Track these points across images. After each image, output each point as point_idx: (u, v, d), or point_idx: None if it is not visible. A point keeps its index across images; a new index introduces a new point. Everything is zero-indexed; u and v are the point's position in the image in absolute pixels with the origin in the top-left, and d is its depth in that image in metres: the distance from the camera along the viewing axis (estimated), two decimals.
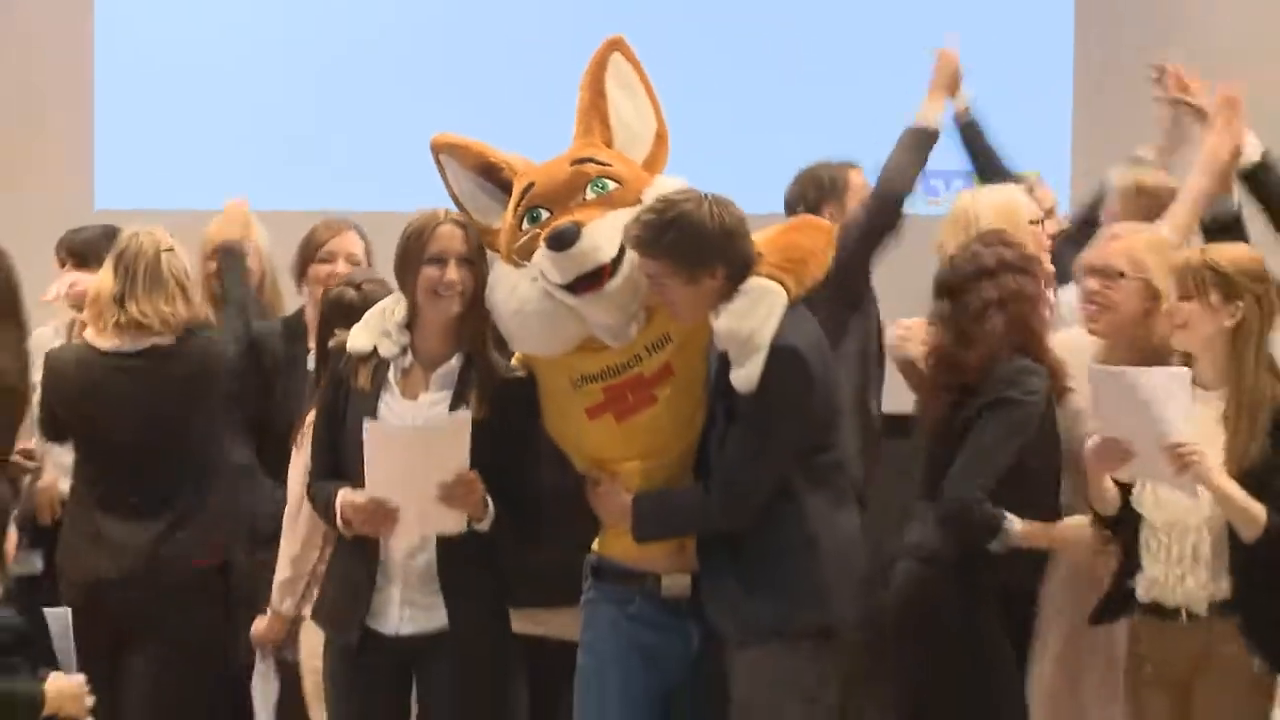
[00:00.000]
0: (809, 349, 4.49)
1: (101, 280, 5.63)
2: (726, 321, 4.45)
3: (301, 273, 5.95)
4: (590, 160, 4.60)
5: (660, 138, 4.71)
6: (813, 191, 5.77)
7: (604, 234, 4.51)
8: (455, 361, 4.71)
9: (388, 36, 8.00)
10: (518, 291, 4.58)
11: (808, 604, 4.53)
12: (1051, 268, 5.34)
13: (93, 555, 5.56)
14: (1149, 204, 5.72)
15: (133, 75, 8.11)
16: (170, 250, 5.59)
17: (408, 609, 4.69)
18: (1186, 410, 4.58)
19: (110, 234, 6.12)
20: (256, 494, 5.71)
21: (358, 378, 4.70)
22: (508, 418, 4.66)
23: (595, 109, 4.68)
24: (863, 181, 5.78)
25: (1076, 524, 4.88)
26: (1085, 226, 5.80)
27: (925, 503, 4.99)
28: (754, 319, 4.44)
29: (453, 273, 4.64)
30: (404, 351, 4.71)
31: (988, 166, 6.07)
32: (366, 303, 4.91)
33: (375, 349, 4.71)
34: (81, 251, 6.28)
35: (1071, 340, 5.11)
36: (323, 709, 4.95)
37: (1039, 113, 6.63)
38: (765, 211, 5.07)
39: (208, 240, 6.13)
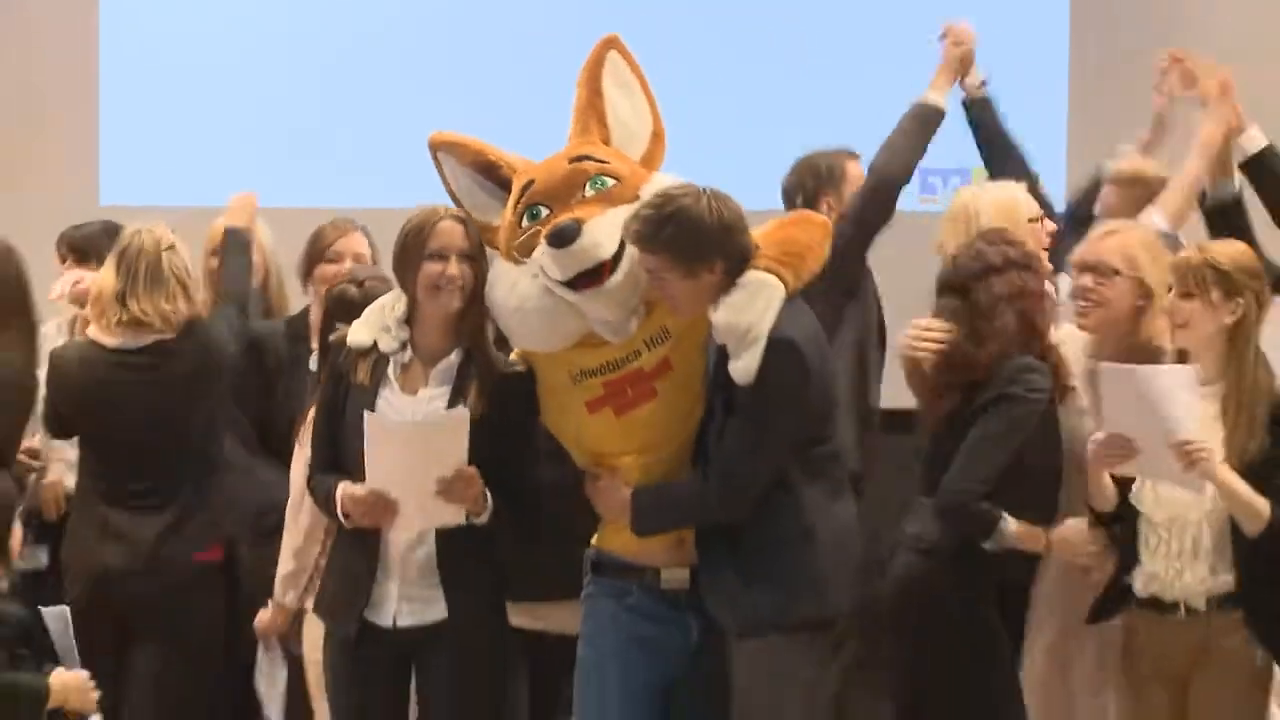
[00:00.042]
0: (806, 341, 4.51)
1: (103, 278, 5.64)
2: (725, 314, 4.47)
3: (308, 273, 5.96)
4: (589, 158, 4.62)
5: (657, 135, 4.73)
6: (810, 180, 5.76)
7: (604, 231, 4.54)
8: (454, 357, 4.73)
9: (391, 33, 7.98)
10: (518, 288, 4.60)
11: (806, 596, 4.55)
12: (1050, 265, 5.35)
13: (98, 548, 5.57)
14: (1143, 194, 5.73)
15: (137, 72, 8.09)
16: (171, 248, 5.59)
17: (406, 602, 4.71)
18: (1194, 408, 4.61)
19: (110, 230, 6.14)
20: (258, 489, 5.73)
21: (357, 372, 4.72)
22: (506, 412, 4.69)
23: (592, 107, 4.70)
24: (860, 170, 5.76)
25: (1073, 527, 4.89)
26: (1079, 221, 5.79)
27: (925, 499, 4.99)
28: (752, 312, 4.46)
29: (454, 268, 4.66)
30: (403, 347, 4.73)
31: (998, 149, 5.97)
32: (368, 299, 4.93)
33: (375, 344, 4.73)
34: (81, 247, 6.30)
35: (1062, 336, 5.13)
36: (325, 701, 4.96)
37: (1034, 113, 6.60)
38: (764, 208, 5.07)
39: (212, 237, 6.14)
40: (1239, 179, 5.68)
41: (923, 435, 5.10)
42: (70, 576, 5.62)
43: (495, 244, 4.71)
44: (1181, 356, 4.81)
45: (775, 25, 7.71)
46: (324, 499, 4.76)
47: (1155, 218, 5.60)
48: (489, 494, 4.64)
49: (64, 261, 6.28)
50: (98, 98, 8.12)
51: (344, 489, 4.67)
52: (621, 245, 4.55)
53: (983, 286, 4.90)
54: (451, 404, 4.68)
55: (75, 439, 5.79)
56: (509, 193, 4.69)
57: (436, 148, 4.77)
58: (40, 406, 5.73)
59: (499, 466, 4.65)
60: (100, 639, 5.44)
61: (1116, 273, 5.00)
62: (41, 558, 5.87)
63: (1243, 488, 4.63)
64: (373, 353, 4.74)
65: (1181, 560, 4.73)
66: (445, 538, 4.69)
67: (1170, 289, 4.84)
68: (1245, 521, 4.66)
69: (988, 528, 4.82)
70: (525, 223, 4.62)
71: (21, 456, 5.78)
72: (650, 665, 4.68)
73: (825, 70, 7.62)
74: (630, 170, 4.65)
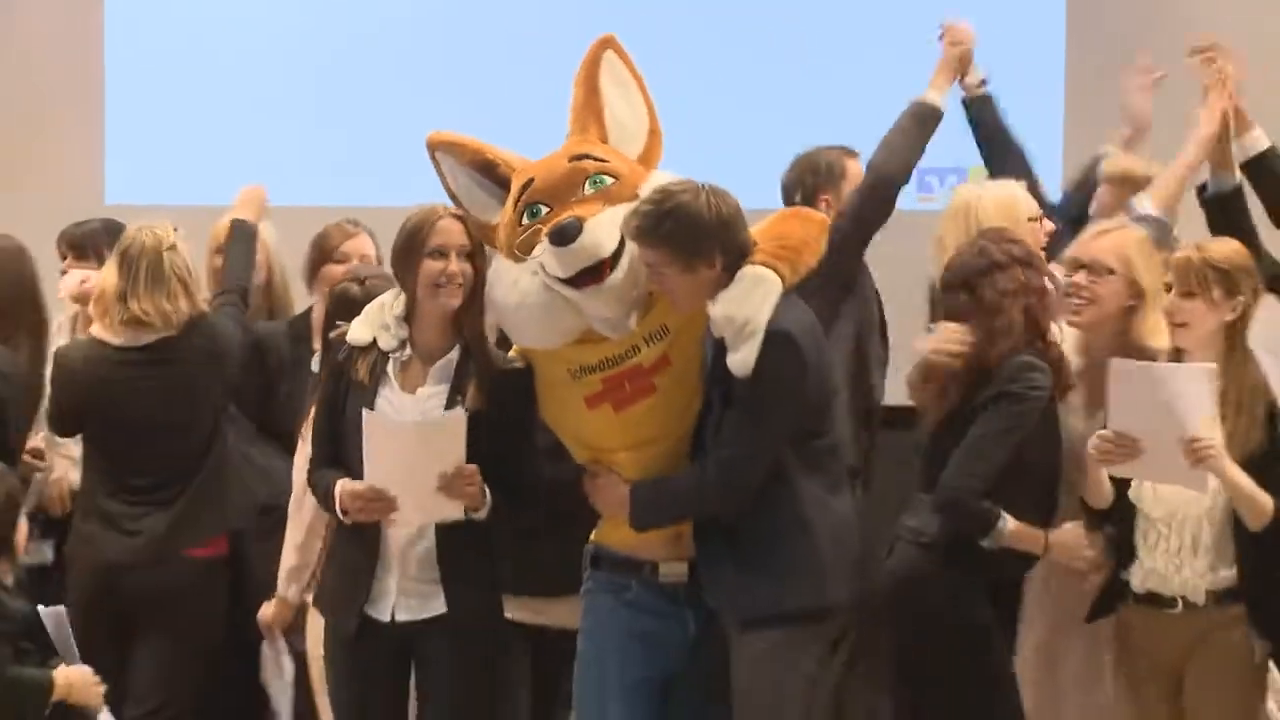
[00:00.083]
0: (803, 334, 4.54)
1: (106, 277, 5.66)
2: (723, 308, 4.49)
3: (313, 273, 5.98)
4: (588, 156, 4.64)
5: (654, 133, 4.75)
6: (810, 177, 5.75)
7: (605, 229, 4.56)
8: (453, 355, 4.75)
9: (393, 34, 7.97)
10: (519, 286, 4.62)
11: (804, 586, 4.58)
12: (1048, 265, 5.37)
13: (102, 543, 5.60)
14: (1135, 192, 5.74)
15: (142, 71, 8.08)
16: (173, 248, 5.61)
17: (405, 597, 4.73)
18: (1206, 407, 4.62)
19: (110, 228, 6.16)
20: (263, 483, 5.75)
21: (357, 370, 4.74)
22: (505, 409, 4.71)
23: (590, 106, 4.71)
24: (860, 168, 5.73)
25: (1071, 531, 4.90)
26: (1072, 219, 5.80)
27: (925, 495, 4.99)
28: (749, 305, 4.48)
29: (454, 265, 4.68)
30: (402, 345, 4.75)
31: (998, 146, 5.94)
32: (369, 297, 4.94)
33: (374, 341, 4.75)
34: (80, 245, 6.29)
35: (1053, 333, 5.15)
36: (327, 695, 4.98)
37: (1031, 112, 6.60)
38: (762, 206, 5.08)
39: (216, 235, 6.15)
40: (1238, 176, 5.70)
41: (923, 432, 5.09)
42: (75, 571, 5.66)
43: (494, 242, 4.72)
44: (1176, 356, 4.83)
45: (774, 24, 7.68)
46: (323, 494, 4.78)
47: (1145, 202, 5.62)
48: (488, 490, 4.66)
49: (64, 259, 6.28)
50: (103, 97, 8.13)
51: (343, 485, 4.69)
52: (621, 243, 4.57)
53: (988, 283, 4.91)
54: (450, 401, 4.70)
55: (79, 435, 5.79)
56: (507, 191, 4.70)
57: (434, 147, 4.78)
58: (44, 405, 5.76)
59: (498, 463, 4.67)
60: (104, 633, 5.49)
61: (1111, 272, 5.02)
62: (47, 553, 5.87)
63: (1248, 483, 4.65)
64: (372, 350, 4.75)
65: (1181, 556, 4.76)
66: (445, 533, 4.71)
67: (1170, 289, 4.86)
68: (1249, 516, 4.68)
69: (986, 526, 4.83)
70: (525, 220, 4.63)
71: (26, 457, 5.81)
72: (649, 659, 4.70)
73: (824, 69, 7.60)
74: (629, 169, 4.66)
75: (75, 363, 5.67)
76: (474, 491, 4.65)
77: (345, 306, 5.06)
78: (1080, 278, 5.03)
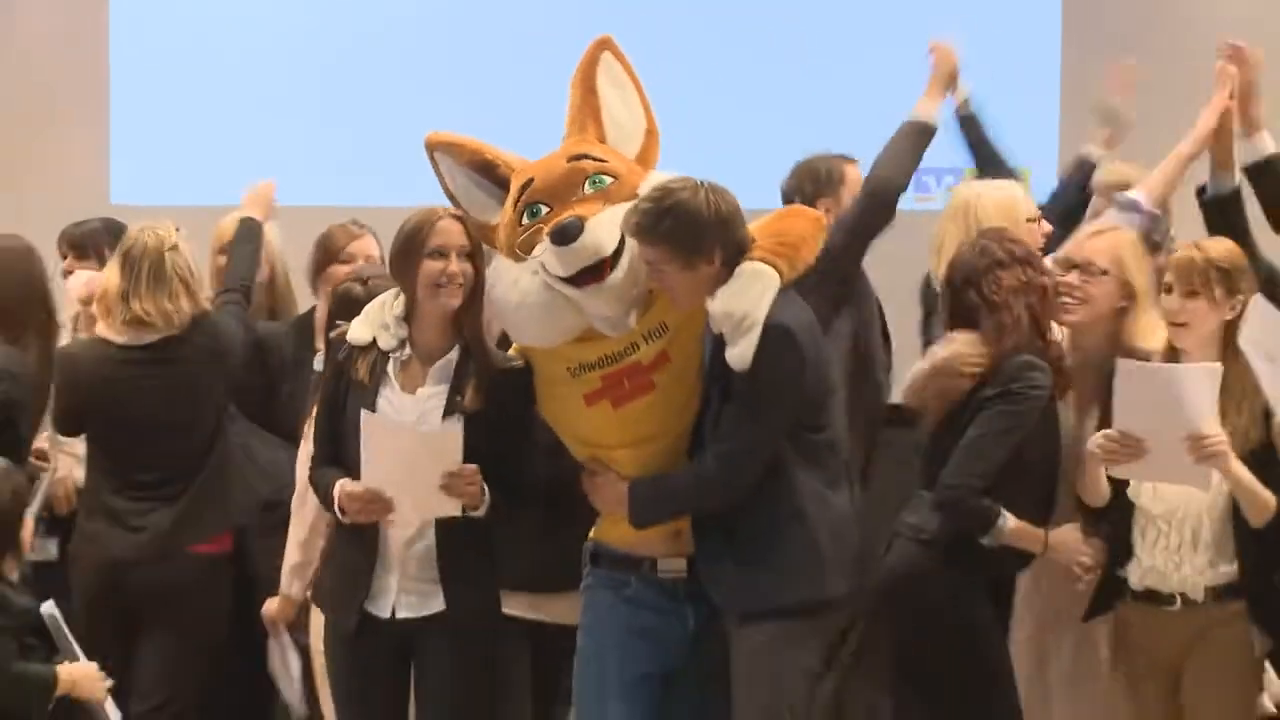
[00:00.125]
0: (801, 329, 4.55)
1: (109, 277, 5.67)
2: (721, 303, 4.51)
3: (318, 274, 5.98)
4: (587, 156, 4.65)
5: (651, 134, 4.76)
6: (809, 184, 5.74)
7: (605, 228, 4.57)
8: (453, 355, 4.76)
9: (399, 34, 8.02)
10: (519, 285, 4.63)
11: (802, 581, 4.59)
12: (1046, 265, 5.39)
13: (107, 540, 5.61)
14: None
15: (147, 72, 8.13)
16: (175, 248, 5.62)
17: (405, 595, 4.75)
18: (1213, 406, 4.64)
19: (110, 227, 6.19)
20: (267, 479, 5.77)
21: (358, 370, 4.75)
22: (504, 408, 4.72)
23: (588, 106, 4.73)
24: (859, 175, 5.73)
25: (1069, 532, 4.92)
26: (1060, 218, 5.82)
27: (925, 492, 5.02)
28: (748, 299, 4.50)
29: (454, 265, 4.70)
30: (402, 345, 4.76)
31: (987, 159, 6.03)
32: (371, 297, 4.94)
33: (374, 341, 4.77)
34: (81, 244, 6.33)
35: None
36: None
37: (1027, 110, 6.60)
38: (761, 207, 5.09)
39: (219, 235, 6.17)
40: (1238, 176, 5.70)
41: (923, 430, 5.12)
42: (80, 568, 5.66)
43: (493, 242, 4.74)
44: (1172, 356, 4.84)
45: (774, 24, 7.72)
46: (323, 493, 4.80)
47: (1135, 192, 5.64)
48: (486, 488, 4.68)
49: (64, 258, 6.30)
50: (108, 98, 8.16)
51: (341, 486, 4.70)
52: (621, 242, 4.58)
53: (991, 280, 4.94)
54: (450, 401, 4.72)
55: (82, 435, 5.80)
56: (506, 191, 4.71)
57: (433, 148, 4.79)
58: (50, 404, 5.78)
59: (497, 461, 4.69)
60: (109, 629, 5.51)
61: (1104, 272, 5.04)
62: (51, 550, 5.85)
63: (1251, 479, 4.68)
64: (372, 350, 4.77)
65: (1181, 552, 4.77)
66: (444, 531, 4.72)
67: (1169, 288, 4.86)
68: (1252, 512, 4.70)
69: (986, 524, 4.86)
70: (525, 220, 4.64)
71: (31, 458, 5.81)
72: (649, 655, 4.71)
73: (823, 69, 7.63)
74: (628, 168, 4.68)
75: (78, 362, 5.68)
76: (474, 491, 4.67)
77: (347, 306, 5.07)
78: (1073, 277, 5.05)
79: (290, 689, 5.58)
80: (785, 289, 4.57)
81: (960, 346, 4.96)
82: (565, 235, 4.54)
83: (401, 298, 4.79)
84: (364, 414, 4.66)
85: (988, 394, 4.89)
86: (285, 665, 5.56)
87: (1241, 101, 5.52)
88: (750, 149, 7.10)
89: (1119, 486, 4.82)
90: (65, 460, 5.99)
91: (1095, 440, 4.73)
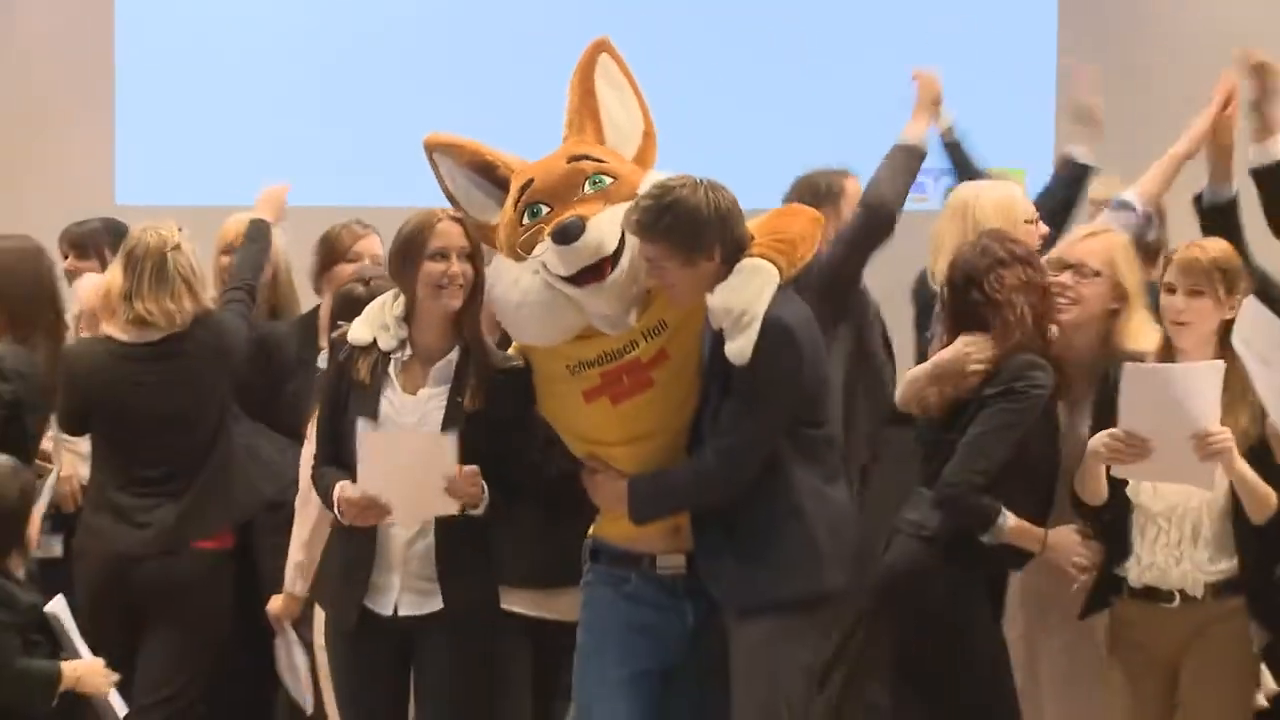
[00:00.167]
0: (800, 325, 4.58)
1: (112, 277, 5.70)
2: (721, 297, 4.53)
3: (322, 272, 6.00)
4: (586, 157, 4.67)
5: (648, 135, 4.78)
6: (809, 198, 5.69)
7: (606, 228, 4.60)
8: (453, 355, 4.78)
9: (401, 34, 8.02)
10: (520, 284, 4.65)
11: (800, 575, 4.61)
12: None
13: (112, 535, 5.63)
14: None
15: (152, 73, 8.14)
16: (177, 248, 5.64)
17: (407, 593, 4.77)
18: (1217, 404, 4.65)
19: (110, 226, 6.22)
20: (269, 481, 5.81)
21: (359, 370, 4.77)
22: (504, 407, 4.75)
23: (586, 107, 4.74)
24: (858, 189, 5.77)
25: (1067, 534, 4.94)
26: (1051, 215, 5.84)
27: (925, 490, 5.04)
28: (747, 294, 4.53)
29: (455, 266, 4.72)
30: (402, 345, 4.78)
31: (972, 180, 5.97)
32: (373, 298, 4.96)
33: (375, 341, 4.79)
34: (81, 244, 6.37)
35: None
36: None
37: (1023, 110, 6.62)
38: (761, 207, 5.10)
39: (223, 235, 6.20)
40: (1236, 184, 5.72)
41: (924, 427, 5.14)
42: (85, 564, 5.68)
43: (492, 242, 4.76)
44: (1165, 357, 4.86)
45: (774, 24, 7.71)
46: (324, 493, 4.82)
47: (1128, 193, 5.67)
48: (486, 486, 4.70)
49: (65, 258, 6.31)
50: (113, 99, 8.17)
51: (339, 490, 4.72)
52: (622, 241, 4.60)
53: (994, 279, 4.96)
54: (451, 401, 4.74)
55: (87, 435, 5.83)
56: (505, 192, 4.73)
57: (432, 149, 4.81)
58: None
59: (497, 461, 4.71)
60: (114, 624, 5.53)
61: (1097, 274, 5.06)
62: (56, 547, 5.88)
63: (1254, 476, 4.69)
64: (373, 350, 4.78)
65: (1182, 548, 4.78)
66: (444, 530, 4.74)
67: (1174, 290, 4.87)
68: (1254, 509, 4.72)
69: (986, 521, 4.88)
70: (526, 220, 4.66)
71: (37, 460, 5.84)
72: (648, 651, 4.72)
73: (823, 69, 7.63)
74: (627, 169, 4.70)
75: (81, 360, 5.71)
76: (475, 492, 4.69)
77: (349, 307, 5.09)
78: (1066, 278, 5.07)
79: (297, 686, 5.60)
80: (784, 286, 4.59)
81: (964, 346, 4.98)
82: (567, 235, 4.56)
83: (401, 299, 4.81)
84: (358, 428, 4.69)
85: (990, 392, 4.90)
86: (291, 662, 5.58)
87: (1260, 106, 5.54)
88: (749, 149, 7.11)
89: (1117, 485, 4.83)
90: (70, 458, 6.03)
91: (1100, 440, 4.74)
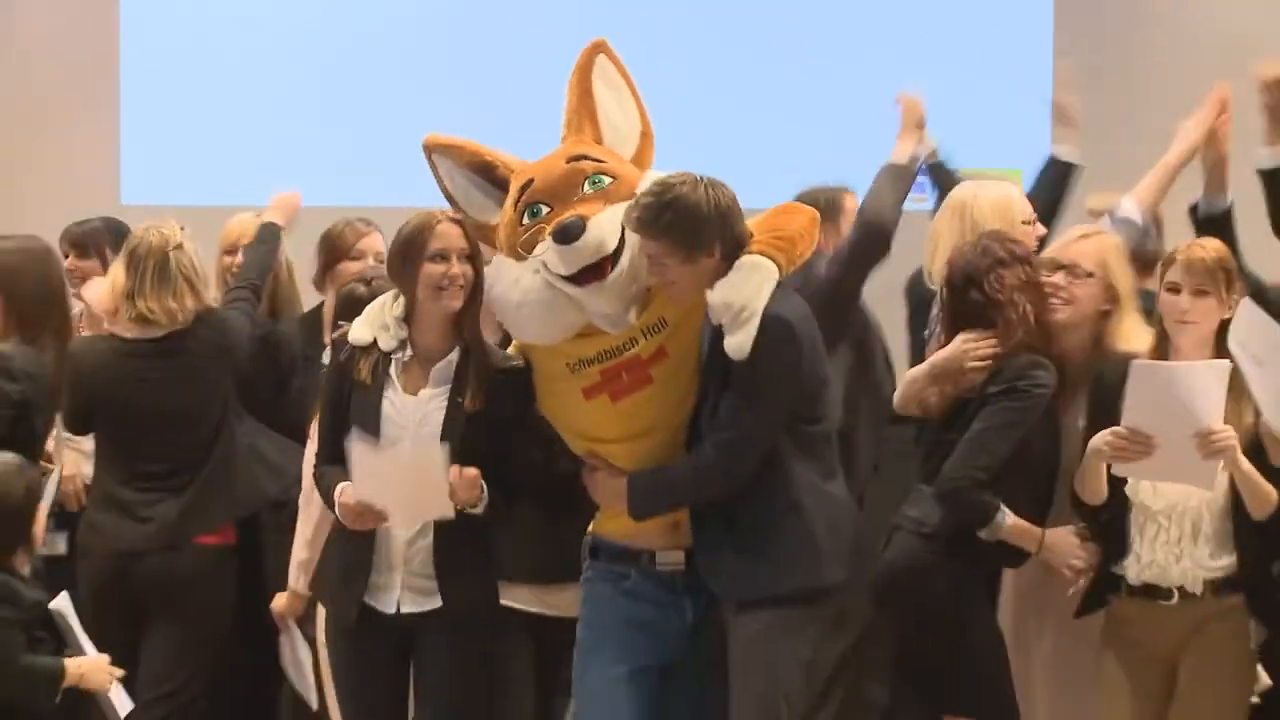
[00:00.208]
0: (799, 321, 4.60)
1: (115, 276, 5.71)
2: (721, 293, 4.55)
3: (326, 271, 6.01)
4: (585, 157, 4.69)
5: (645, 136, 4.81)
6: None
7: (607, 227, 4.62)
8: (453, 356, 4.80)
9: (402, 34, 8.02)
10: (520, 284, 4.68)
11: (798, 569, 4.63)
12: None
13: (115, 531, 5.65)
14: None
15: (157, 73, 8.14)
16: (179, 247, 5.66)
17: (409, 591, 4.79)
18: (1222, 403, 4.66)
19: (111, 225, 6.23)
20: (272, 480, 5.81)
21: (360, 370, 4.79)
22: (503, 406, 4.77)
23: (584, 108, 4.77)
24: (856, 205, 5.75)
25: (1064, 534, 4.95)
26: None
27: (926, 487, 5.04)
28: (747, 290, 4.55)
29: (456, 267, 4.74)
30: (402, 345, 4.80)
31: None
32: (375, 298, 4.97)
33: (375, 341, 4.80)
34: (82, 243, 6.35)
35: None
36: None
37: (1018, 111, 6.62)
38: (760, 206, 5.12)
39: (226, 235, 6.22)
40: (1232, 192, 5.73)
41: (925, 425, 5.15)
42: (87, 559, 5.70)
43: (492, 242, 4.78)
44: (1158, 357, 4.85)
45: (774, 24, 7.72)
46: (325, 492, 4.84)
47: (1126, 204, 5.68)
48: (485, 486, 4.72)
49: (66, 257, 6.31)
50: (118, 99, 8.17)
51: (338, 494, 4.74)
52: (622, 241, 4.62)
53: (994, 279, 4.97)
54: (451, 402, 4.75)
55: (91, 434, 5.84)
56: (505, 192, 4.75)
57: (431, 150, 4.83)
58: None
59: (497, 461, 4.73)
60: (117, 620, 5.55)
61: (1089, 275, 5.08)
62: (60, 544, 5.89)
63: (1254, 473, 4.71)
64: (374, 350, 4.80)
65: (1182, 545, 4.79)
66: (443, 529, 4.75)
67: (1178, 290, 4.87)
68: (1255, 506, 4.74)
69: (985, 517, 4.89)
70: (526, 220, 4.68)
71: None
72: (648, 647, 4.74)
73: (823, 69, 7.62)
74: (626, 169, 4.72)
75: (85, 358, 5.73)
76: (475, 494, 4.71)
77: (351, 307, 5.11)
78: (1059, 278, 5.08)
79: (302, 682, 5.62)
80: (783, 283, 4.62)
81: (962, 343, 5.00)
82: (568, 234, 4.58)
83: (401, 299, 4.82)
84: (350, 440, 4.70)
85: (992, 390, 4.91)
86: (296, 658, 5.60)
87: (1272, 112, 5.56)
88: (748, 149, 7.11)
89: (1116, 484, 4.84)
90: (73, 456, 6.04)
91: (1102, 438, 4.75)
